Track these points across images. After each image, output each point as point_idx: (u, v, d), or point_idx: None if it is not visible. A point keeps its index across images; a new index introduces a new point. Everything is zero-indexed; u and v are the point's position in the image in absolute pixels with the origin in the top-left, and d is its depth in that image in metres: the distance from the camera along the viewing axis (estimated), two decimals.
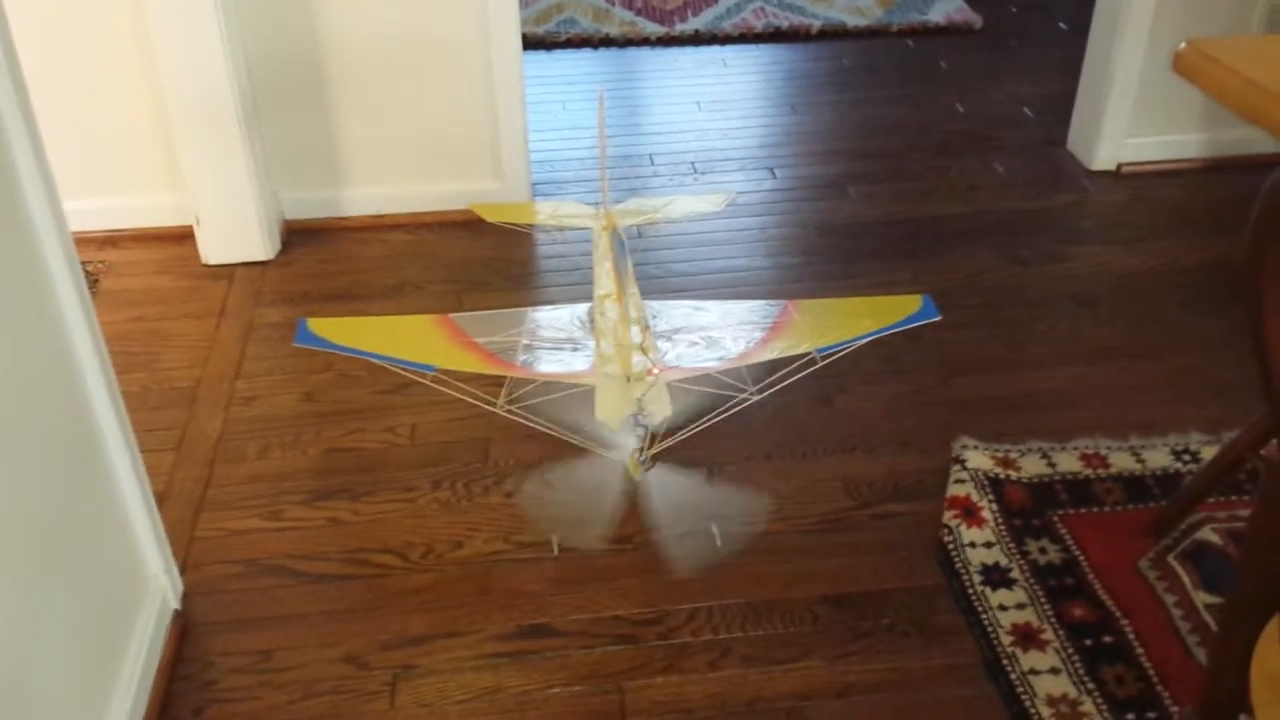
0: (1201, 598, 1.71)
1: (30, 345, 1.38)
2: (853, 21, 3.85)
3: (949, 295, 2.46)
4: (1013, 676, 1.61)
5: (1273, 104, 1.15)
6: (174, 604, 1.72)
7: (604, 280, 2.03)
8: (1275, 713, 1.21)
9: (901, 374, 2.24)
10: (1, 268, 1.32)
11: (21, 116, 1.36)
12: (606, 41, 3.79)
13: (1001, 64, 3.61)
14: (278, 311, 2.46)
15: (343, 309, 2.46)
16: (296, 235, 2.73)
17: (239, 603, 1.77)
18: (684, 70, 3.63)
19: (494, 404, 1.81)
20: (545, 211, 2.69)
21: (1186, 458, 1.99)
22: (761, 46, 3.78)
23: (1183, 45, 1.26)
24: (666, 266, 2.60)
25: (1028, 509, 1.89)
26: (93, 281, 2.53)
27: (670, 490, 1.93)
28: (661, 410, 1.75)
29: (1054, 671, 1.61)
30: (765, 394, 1.82)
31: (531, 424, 1.82)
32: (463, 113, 2.71)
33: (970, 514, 1.88)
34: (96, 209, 2.63)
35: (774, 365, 1.85)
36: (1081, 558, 1.80)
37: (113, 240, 2.68)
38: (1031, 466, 1.97)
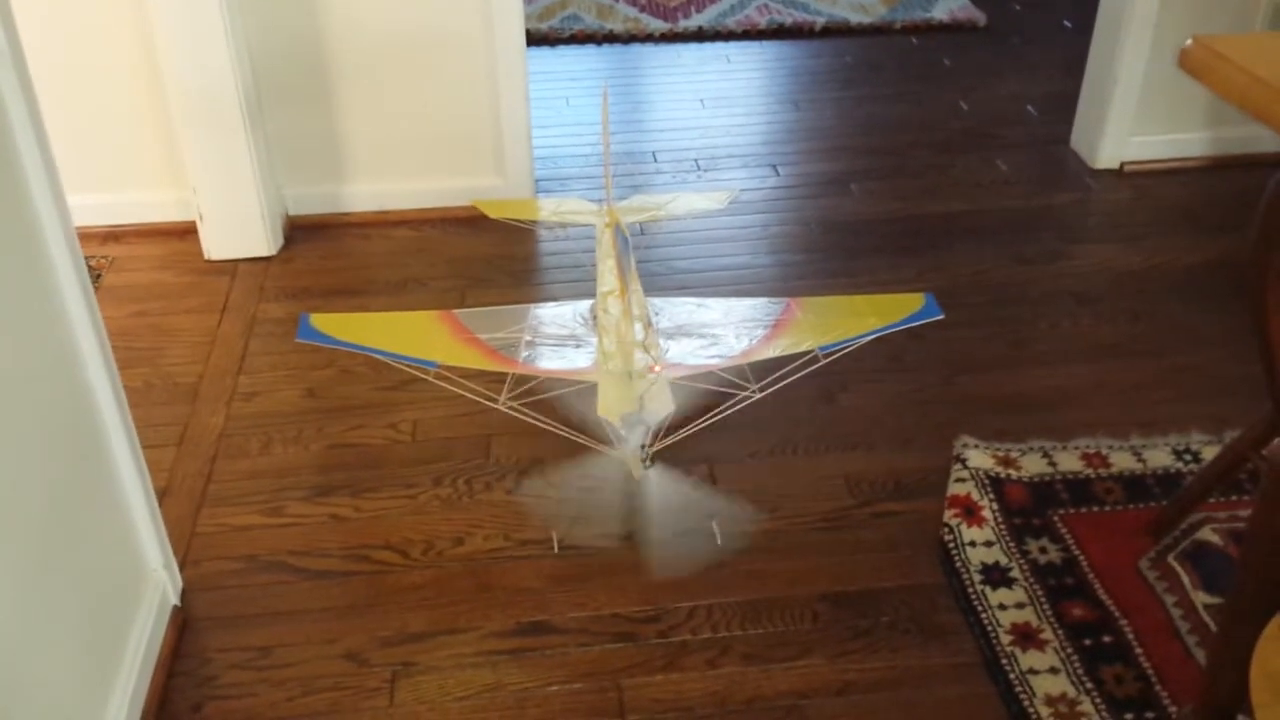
0: (1201, 598, 1.71)
1: (33, 340, 1.38)
2: (856, 19, 3.85)
3: (951, 293, 2.46)
4: (1012, 676, 1.61)
5: (1278, 101, 1.15)
6: (174, 599, 1.73)
7: (607, 277, 2.03)
8: (1276, 713, 1.21)
9: (903, 372, 2.24)
10: (5, 262, 1.32)
11: (27, 111, 1.36)
12: (610, 38, 3.79)
13: (1005, 62, 3.61)
14: (280, 307, 2.46)
15: (345, 305, 2.47)
16: (299, 231, 2.73)
17: (239, 599, 1.77)
18: (687, 67, 3.63)
19: (496, 401, 1.81)
20: (548, 208, 2.69)
21: (1187, 457, 1.99)
22: (765, 43, 3.78)
23: (1189, 42, 1.26)
24: (669, 264, 2.60)
25: (1028, 508, 1.89)
26: (95, 276, 2.53)
27: (671, 488, 1.93)
28: (663, 407, 1.75)
29: (1053, 671, 1.61)
30: (767, 391, 1.81)
31: (533, 421, 1.82)
32: (466, 109, 2.71)
33: (971, 513, 1.87)
34: (100, 204, 2.64)
35: (776, 363, 1.85)
36: (1081, 557, 1.80)
37: (116, 235, 2.68)
38: (1032, 466, 1.97)
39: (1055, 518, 1.87)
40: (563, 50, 3.75)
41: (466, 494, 1.96)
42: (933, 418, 2.11)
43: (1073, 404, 2.14)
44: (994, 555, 1.80)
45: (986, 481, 1.93)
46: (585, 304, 2.07)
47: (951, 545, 1.82)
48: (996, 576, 1.76)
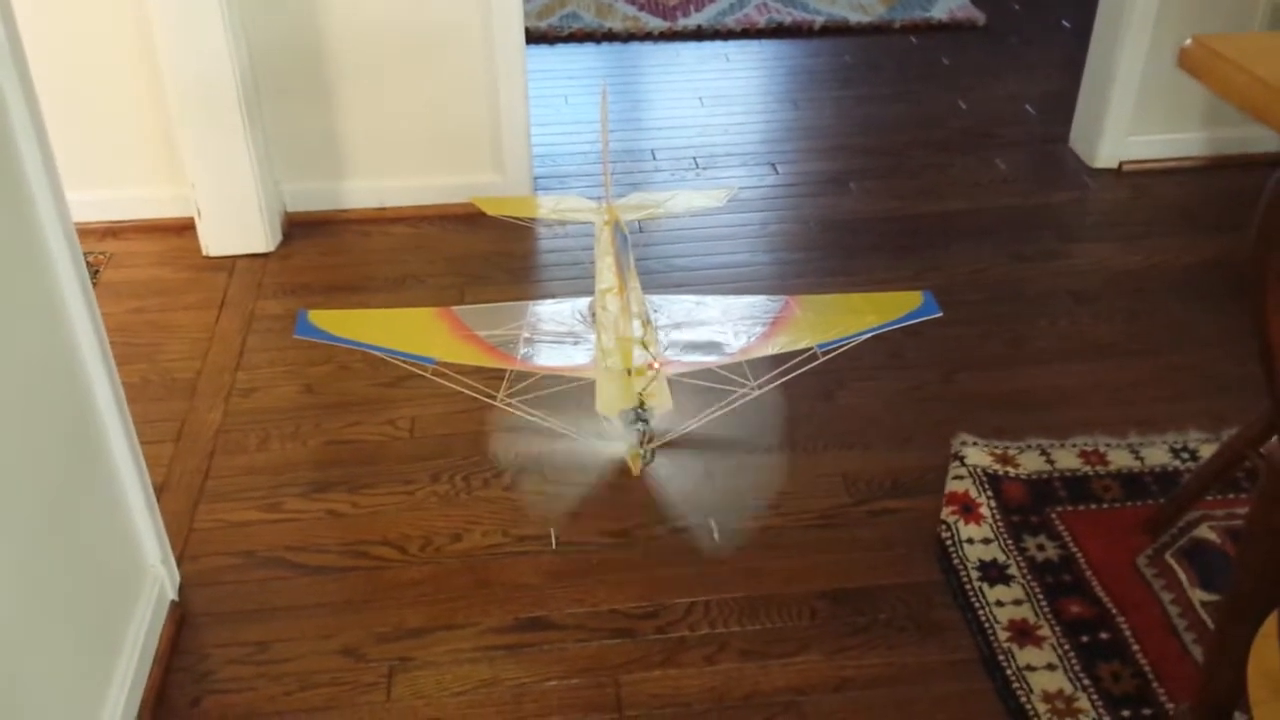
0: (1198, 595, 1.71)
1: (32, 335, 1.38)
2: (855, 18, 3.85)
3: (950, 291, 2.46)
4: (1009, 672, 1.61)
5: (1278, 100, 1.15)
6: (171, 595, 1.73)
7: (605, 274, 2.03)
8: (1273, 710, 1.21)
9: (902, 370, 2.24)
10: (4, 258, 1.32)
11: (26, 107, 1.36)
12: (609, 36, 3.79)
13: (1004, 61, 3.61)
14: (278, 303, 2.46)
15: (344, 301, 2.47)
16: (298, 227, 2.73)
17: (236, 594, 1.77)
18: (686, 65, 3.63)
19: (494, 398, 1.81)
20: (547, 205, 2.69)
21: (1185, 455, 1.99)
22: (764, 42, 3.78)
23: (1188, 41, 1.25)
24: (668, 261, 2.60)
25: (1026, 506, 1.89)
26: (94, 272, 2.53)
27: (669, 484, 1.93)
28: (662, 404, 1.75)
29: (1050, 668, 1.61)
30: (766, 389, 1.82)
31: (531, 417, 1.82)
32: (465, 106, 2.71)
33: (969, 510, 1.88)
34: (98, 200, 2.63)
35: (775, 360, 1.85)
36: (1079, 555, 1.80)
37: (114, 231, 2.68)
38: (1030, 463, 1.97)
39: (1053, 515, 1.87)
40: (561, 48, 3.75)
41: (464, 490, 1.96)
42: (931, 416, 2.12)
43: (1071, 402, 2.15)
44: (992, 552, 1.80)
45: (984, 479, 1.93)
46: (584, 301, 2.07)
47: (949, 542, 1.82)
48: (994, 573, 1.77)
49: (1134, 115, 2.90)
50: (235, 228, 2.60)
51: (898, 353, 2.26)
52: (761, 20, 3.82)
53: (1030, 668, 1.61)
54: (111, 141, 2.62)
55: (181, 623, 1.72)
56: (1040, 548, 1.81)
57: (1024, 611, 1.70)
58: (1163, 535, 1.83)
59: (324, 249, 2.66)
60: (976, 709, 1.58)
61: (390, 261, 2.62)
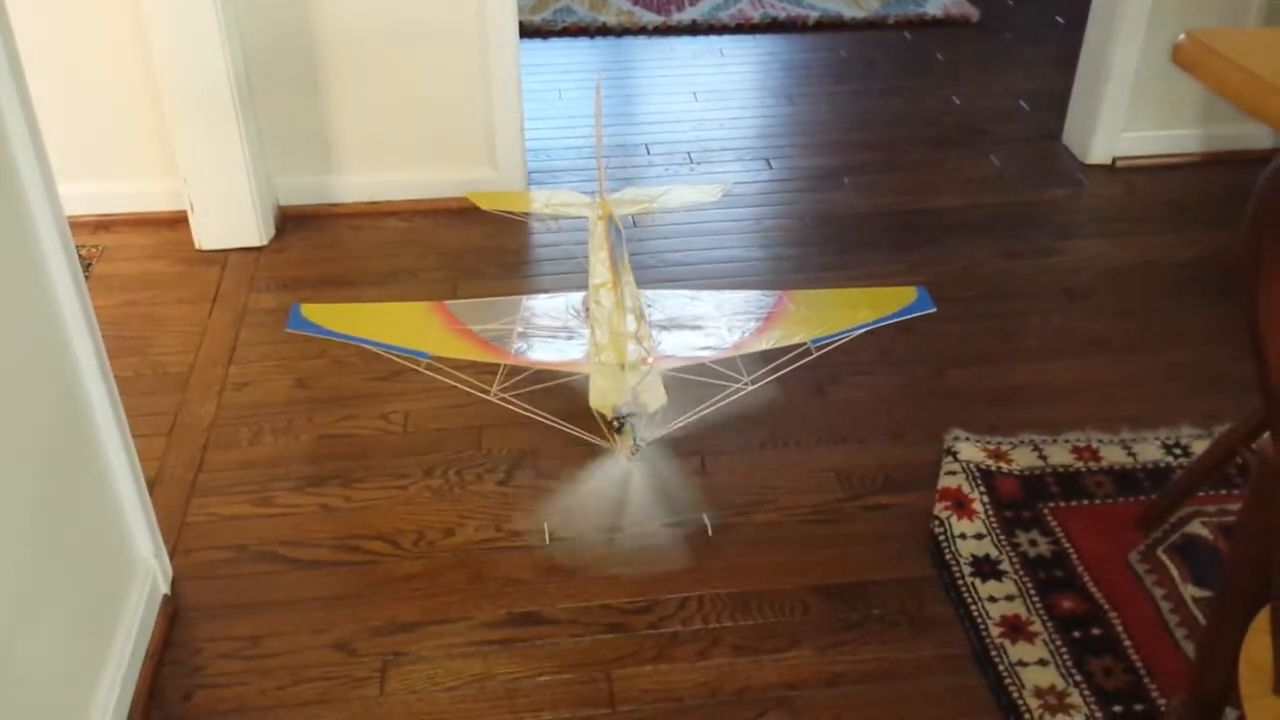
0: (1190, 591, 1.72)
1: (24, 329, 1.38)
2: (850, 13, 3.85)
3: (943, 287, 2.46)
4: (1001, 667, 1.61)
5: (1272, 96, 1.15)
6: (163, 589, 1.72)
7: (599, 269, 2.03)
8: (1265, 705, 1.22)
9: (895, 365, 2.24)
10: None
11: (18, 100, 1.35)
12: (603, 31, 3.78)
13: (998, 57, 3.61)
14: (271, 297, 2.45)
15: (337, 295, 2.46)
16: (291, 221, 2.73)
17: (229, 588, 1.77)
18: (681, 60, 3.63)
19: (488, 392, 1.81)
20: (540, 200, 2.69)
21: (1177, 451, 2.00)
22: (759, 37, 3.78)
23: (1182, 37, 1.25)
24: (662, 256, 2.60)
25: (1018, 501, 1.89)
26: (86, 266, 2.52)
27: (663, 480, 1.93)
28: (656, 399, 1.75)
29: (1042, 663, 1.62)
30: (759, 384, 1.82)
31: (525, 412, 1.82)
32: (459, 100, 2.70)
33: (961, 505, 1.88)
34: (90, 193, 2.63)
35: (768, 355, 1.85)
36: (1071, 550, 1.80)
37: (106, 224, 2.67)
38: (1023, 459, 1.98)
39: (1045, 511, 1.88)
40: (555, 43, 3.74)
41: (458, 485, 1.96)
42: (924, 411, 2.12)
43: (1063, 398, 2.15)
44: (984, 548, 1.80)
45: (977, 474, 1.94)
46: (578, 296, 2.07)
47: (942, 538, 1.83)
48: (986, 569, 1.77)
49: (1128, 111, 2.90)
50: (228, 221, 2.59)
51: (891, 348, 2.26)
52: (756, 15, 3.82)
53: (1022, 663, 1.62)
54: (104, 134, 2.62)
55: (174, 617, 1.71)
56: (1033, 543, 1.82)
57: (1016, 607, 1.70)
58: (1155, 531, 1.83)
59: (317, 243, 2.66)
60: (968, 704, 1.59)
61: (383, 256, 2.61)
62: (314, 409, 2.13)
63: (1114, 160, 2.96)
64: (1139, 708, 1.56)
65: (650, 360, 1.77)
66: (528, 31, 3.66)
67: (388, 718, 1.57)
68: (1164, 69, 2.77)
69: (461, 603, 1.74)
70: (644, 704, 1.59)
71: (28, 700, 1.32)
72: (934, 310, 1.89)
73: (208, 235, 2.60)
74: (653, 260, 2.58)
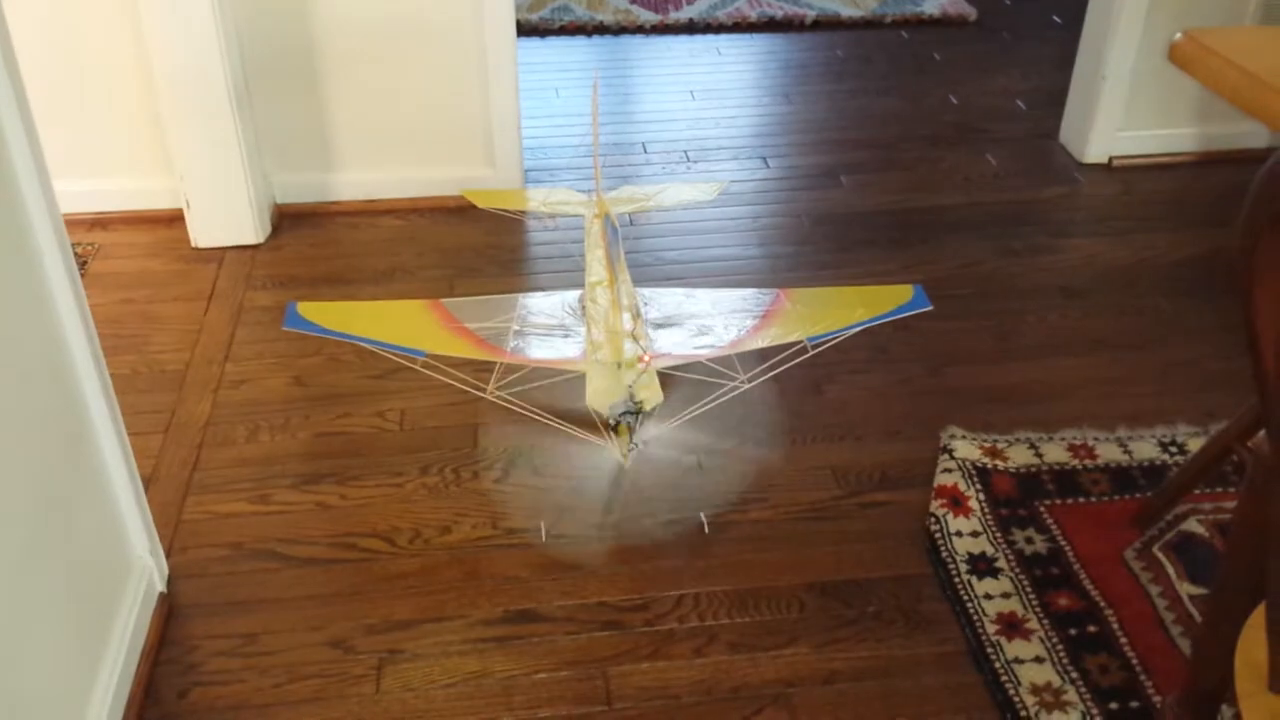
0: (1186, 588, 1.72)
1: (20, 327, 1.38)
2: (847, 12, 3.85)
3: (940, 285, 2.46)
4: (997, 665, 1.61)
5: (1269, 95, 1.15)
6: (159, 586, 1.72)
7: (596, 267, 2.03)
8: (1260, 702, 1.22)
9: (891, 363, 2.24)
10: None
11: (14, 97, 1.35)
12: (600, 29, 3.78)
13: (995, 56, 3.61)
14: (268, 295, 2.45)
15: (333, 293, 2.46)
16: (287, 219, 2.72)
17: (225, 586, 1.76)
18: (678, 59, 3.63)
19: (484, 390, 1.81)
20: (537, 198, 2.69)
21: (1173, 449, 2.00)
22: (756, 36, 3.78)
23: (1179, 35, 1.26)
24: (658, 255, 2.60)
25: (1014, 499, 1.89)
26: (82, 263, 2.52)
27: (659, 477, 1.93)
28: (652, 397, 1.75)
29: (1038, 660, 1.62)
30: (756, 382, 1.82)
31: (521, 410, 1.82)
32: (456, 99, 2.70)
33: (957, 503, 1.88)
34: (86, 190, 2.62)
35: (765, 353, 1.85)
36: (1067, 548, 1.80)
37: (102, 222, 2.67)
38: (1019, 457, 1.98)
39: (1041, 508, 1.88)
40: (553, 41, 3.74)
41: (454, 482, 1.95)
42: (920, 409, 2.12)
43: (1059, 396, 2.15)
44: (980, 545, 1.80)
45: (973, 472, 1.94)
46: (574, 294, 2.07)
47: (938, 535, 1.83)
48: (982, 566, 1.77)
49: (1124, 111, 2.90)
50: (224, 219, 2.59)
51: (887, 347, 2.26)
52: (753, 14, 3.82)
53: (1018, 660, 1.62)
54: (100, 132, 2.61)
55: (170, 614, 1.71)
56: (1029, 540, 1.82)
57: (1012, 604, 1.71)
58: (1151, 529, 1.83)
59: (313, 241, 2.66)
60: (965, 701, 1.59)
61: (379, 254, 2.61)
62: (310, 407, 2.12)
63: (1111, 159, 2.96)
64: (1135, 705, 1.56)
65: (647, 359, 1.77)
66: (525, 30, 3.66)
67: (384, 715, 1.57)
68: (1161, 68, 2.77)
69: (458, 600, 1.74)
70: (640, 701, 1.59)
71: (24, 698, 1.31)
72: (931, 308, 1.90)
73: (204, 233, 2.60)
74: (649, 258, 2.58)
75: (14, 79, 1.36)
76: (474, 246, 2.63)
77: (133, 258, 2.58)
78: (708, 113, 3.26)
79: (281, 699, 1.59)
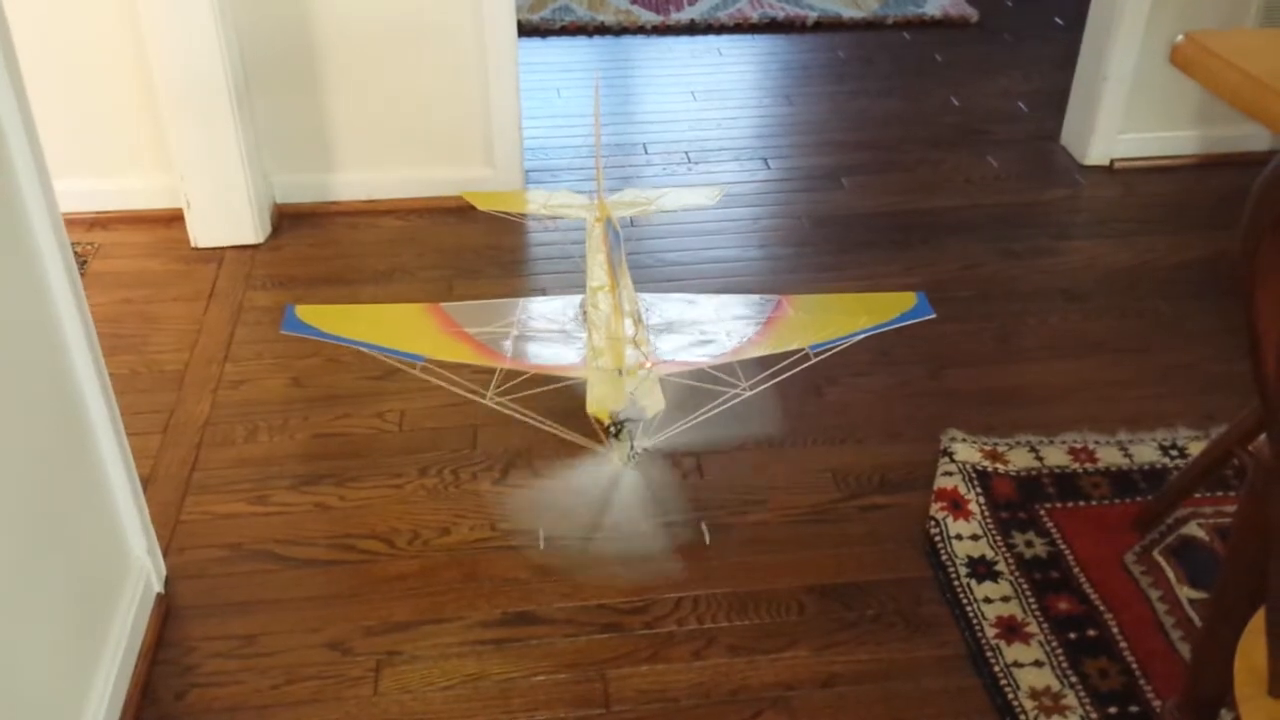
0: (1186, 592, 1.72)
1: (19, 326, 1.37)
2: (848, 14, 3.85)
3: (940, 288, 2.46)
4: (996, 668, 1.61)
5: (1271, 98, 1.15)
6: (157, 587, 1.72)
7: (597, 272, 2.01)
8: (1260, 705, 1.21)
9: (891, 366, 2.24)
10: None
11: (14, 96, 1.35)
12: (601, 29, 3.78)
13: (996, 58, 3.61)
14: (267, 295, 2.45)
15: (333, 294, 2.46)
16: (287, 219, 2.72)
17: (223, 587, 1.76)
18: (679, 59, 3.63)
19: (483, 395, 1.80)
20: (538, 201, 2.68)
21: (1174, 453, 1.99)
22: (757, 37, 3.78)
23: (1180, 38, 1.25)
24: (659, 256, 2.60)
25: (1015, 502, 1.89)
26: (81, 263, 2.51)
27: (658, 479, 1.92)
28: (654, 405, 1.72)
29: (1037, 664, 1.61)
30: (758, 390, 1.80)
31: (521, 416, 1.81)
32: (456, 99, 2.70)
33: (957, 506, 1.88)
34: (85, 190, 2.62)
35: (767, 360, 1.85)
36: (1067, 551, 1.80)
37: (101, 222, 2.67)
38: (1019, 460, 1.97)
39: (1041, 512, 1.87)
40: (554, 41, 3.74)
41: (453, 484, 1.95)
42: (920, 412, 2.12)
43: (1060, 399, 2.15)
44: (980, 548, 1.80)
45: (973, 475, 1.93)
46: (575, 299, 2.06)
47: (938, 538, 1.82)
48: (982, 570, 1.77)
49: (1126, 113, 2.90)
50: (224, 219, 2.59)
51: (887, 349, 2.26)
52: (754, 15, 3.82)
53: (1018, 664, 1.61)
54: (100, 131, 2.61)
55: (167, 615, 1.71)
56: (1029, 544, 1.81)
57: (1012, 608, 1.70)
58: (1151, 532, 1.83)
59: (313, 241, 2.66)
60: (964, 705, 1.58)
61: (379, 254, 2.61)
62: (309, 407, 2.12)
63: (1112, 162, 2.95)
64: (1134, 709, 1.56)
65: (648, 365, 1.76)
66: (526, 30, 3.66)
67: (382, 717, 1.57)
68: (1162, 71, 2.76)
69: (456, 602, 1.74)
70: (639, 704, 1.59)
71: (21, 698, 1.31)
72: (934, 316, 1.88)
73: (204, 233, 2.60)
74: (650, 259, 2.57)
75: (14, 78, 1.35)
76: (474, 247, 2.62)
77: (132, 257, 2.57)
78: (709, 114, 3.25)
79: (279, 700, 1.59)
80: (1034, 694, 1.57)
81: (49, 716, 1.39)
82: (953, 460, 1.96)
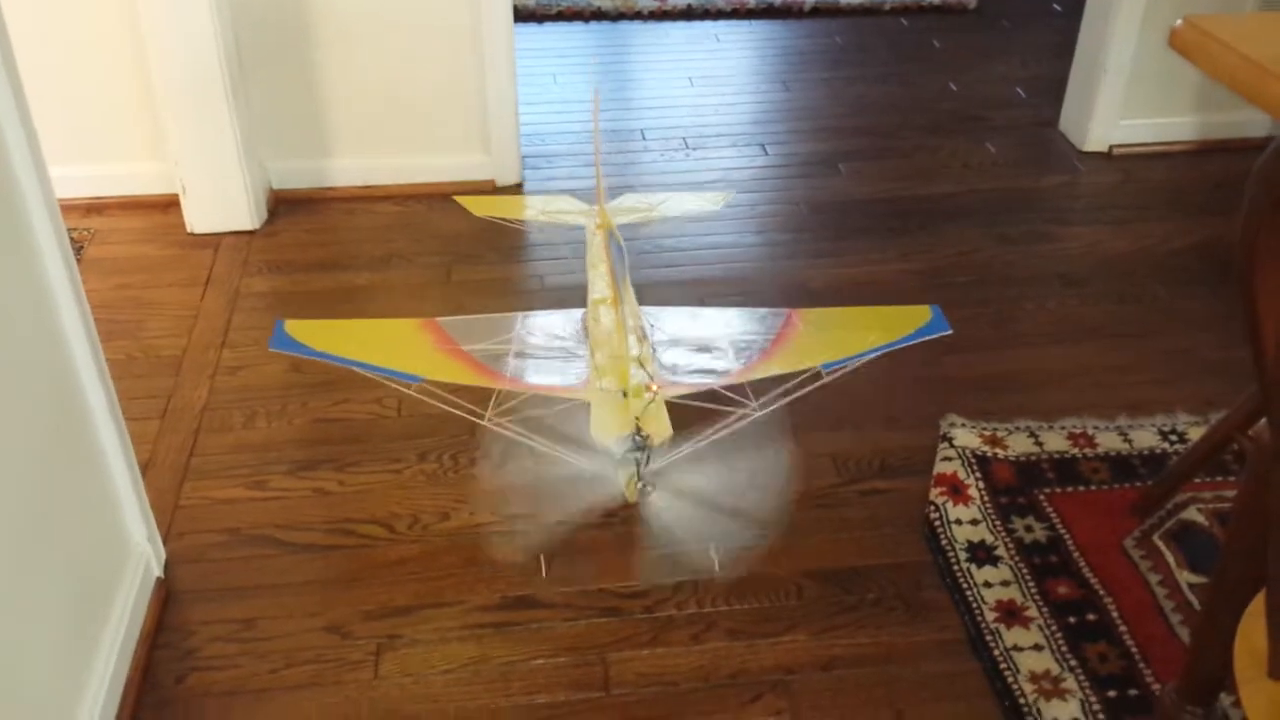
0: (1185, 577, 1.72)
1: (15, 313, 1.37)
2: None
3: (938, 273, 2.46)
4: (996, 653, 1.61)
5: (1270, 82, 1.14)
6: (157, 572, 1.72)
7: (599, 284, 1.94)
8: (1260, 688, 1.22)
9: (891, 351, 2.23)
10: None
11: (9, 82, 1.34)
12: (598, 15, 3.77)
13: (994, 44, 3.60)
14: (264, 281, 2.44)
15: (329, 279, 2.45)
16: (284, 205, 2.71)
17: (222, 571, 1.76)
18: (676, 45, 3.62)
19: (481, 416, 1.74)
20: (536, 206, 2.62)
21: (1173, 438, 2.00)
22: (754, 22, 3.76)
23: (1179, 22, 1.25)
24: (656, 242, 2.59)
25: (1014, 487, 1.89)
26: (77, 249, 2.51)
27: (665, 516, 1.85)
28: (661, 432, 1.63)
29: (1037, 648, 1.62)
30: (769, 409, 1.76)
31: (522, 439, 1.75)
32: (452, 85, 2.69)
33: (957, 491, 1.88)
34: (81, 176, 2.61)
35: (777, 377, 1.79)
36: (1066, 536, 1.80)
37: (98, 208, 2.66)
38: (1019, 445, 1.97)
39: (1041, 496, 1.88)
40: (550, 27, 3.73)
41: (452, 469, 1.95)
42: (919, 397, 2.11)
43: (1059, 384, 2.15)
44: (980, 533, 1.80)
45: (973, 460, 1.94)
46: (576, 313, 1.97)
47: (937, 523, 1.82)
48: (982, 554, 1.77)
49: (1124, 99, 2.90)
50: (220, 205, 2.58)
51: None
52: (752, 0, 3.81)
53: (1017, 648, 1.62)
54: (96, 117, 2.60)
55: (167, 600, 1.71)
56: (1028, 529, 1.81)
57: (1011, 592, 1.70)
58: (1150, 517, 1.83)
59: (310, 227, 2.65)
60: (964, 689, 1.59)
61: (377, 240, 2.60)
62: (308, 393, 2.12)
63: (1110, 148, 2.95)
64: (1133, 693, 1.56)
65: (655, 388, 1.66)
66: (522, 16, 3.64)
67: (382, 701, 1.57)
68: (1160, 57, 2.76)
69: (456, 586, 1.74)
70: (639, 687, 1.59)
71: (21, 683, 1.31)
72: (950, 332, 1.82)
73: (200, 218, 2.59)
74: (647, 245, 2.57)
75: (9, 64, 1.35)
76: (472, 233, 2.61)
77: (129, 243, 2.57)
78: (706, 99, 3.25)
79: (279, 684, 1.59)
80: (1033, 678, 1.57)
81: (50, 701, 1.39)
82: (952, 445, 1.97)
